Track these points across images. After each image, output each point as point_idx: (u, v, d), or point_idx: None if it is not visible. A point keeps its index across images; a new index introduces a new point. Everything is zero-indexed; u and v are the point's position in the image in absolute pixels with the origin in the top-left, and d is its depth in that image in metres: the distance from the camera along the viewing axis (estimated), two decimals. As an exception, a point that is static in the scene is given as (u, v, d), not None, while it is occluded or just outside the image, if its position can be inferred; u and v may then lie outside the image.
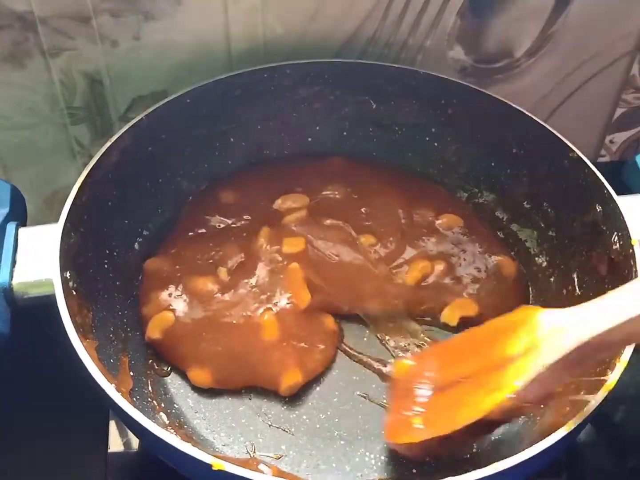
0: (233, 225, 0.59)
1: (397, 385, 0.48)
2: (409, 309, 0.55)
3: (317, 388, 0.52)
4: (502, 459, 0.38)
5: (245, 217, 0.59)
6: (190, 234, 0.58)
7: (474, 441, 0.47)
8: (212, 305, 0.53)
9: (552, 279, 0.56)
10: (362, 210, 0.59)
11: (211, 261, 0.56)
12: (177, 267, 0.55)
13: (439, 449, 0.43)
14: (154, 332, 0.52)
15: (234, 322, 0.52)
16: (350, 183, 0.61)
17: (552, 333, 0.37)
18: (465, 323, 0.54)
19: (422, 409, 0.43)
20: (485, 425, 0.41)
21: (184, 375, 0.52)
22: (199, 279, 0.54)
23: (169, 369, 0.52)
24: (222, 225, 0.59)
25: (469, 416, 0.40)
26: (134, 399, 0.48)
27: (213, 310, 0.53)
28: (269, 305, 0.53)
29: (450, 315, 0.55)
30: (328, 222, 0.58)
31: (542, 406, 0.40)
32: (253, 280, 0.54)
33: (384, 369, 0.53)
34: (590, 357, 0.37)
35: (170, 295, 0.54)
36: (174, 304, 0.53)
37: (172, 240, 0.58)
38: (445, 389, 0.43)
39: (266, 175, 0.62)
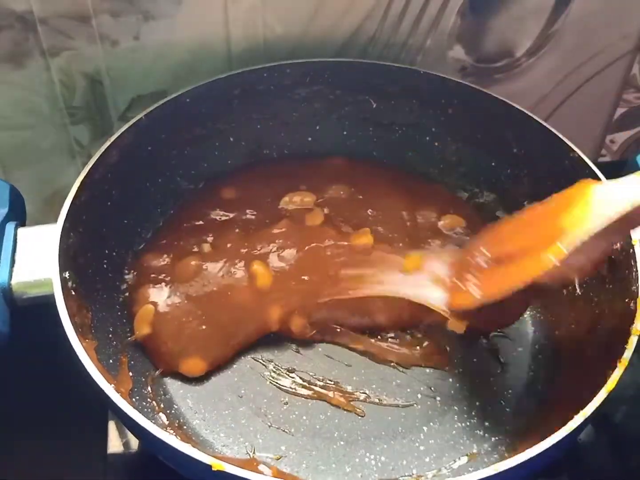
0: (238, 218, 0.59)
1: (458, 258, 0.49)
2: (416, 321, 0.55)
3: (318, 387, 0.52)
4: (503, 460, 0.38)
5: (249, 211, 0.59)
6: (185, 225, 0.58)
7: (526, 307, 0.51)
8: (194, 282, 0.53)
9: (552, 279, 0.56)
10: (369, 212, 0.59)
11: (202, 242, 0.56)
12: (165, 257, 0.55)
13: (495, 316, 0.48)
14: (140, 327, 0.52)
15: (215, 289, 0.53)
16: (353, 183, 0.61)
17: (601, 203, 0.38)
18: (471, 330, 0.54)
19: (478, 278, 0.46)
20: (535, 292, 0.43)
21: (182, 375, 0.52)
22: (182, 261, 0.54)
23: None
24: (223, 218, 0.59)
25: (520, 281, 0.41)
26: (134, 399, 0.48)
27: (194, 287, 0.53)
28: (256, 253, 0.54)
29: (457, 323, 0.54)
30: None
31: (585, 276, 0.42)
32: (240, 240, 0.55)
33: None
34: (633, 223, 0.39)
35: (154, 288, 0.53)
36: (156, 295, 0.53)
37: (166, 232, 0.58)
38: (500, 261, 0.45)
39: (268, 172, 0.62)
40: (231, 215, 0.59)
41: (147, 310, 0.52)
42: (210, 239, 0.57)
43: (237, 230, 0.57)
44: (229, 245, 0.55)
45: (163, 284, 0.54)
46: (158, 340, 0.52)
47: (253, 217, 0.59)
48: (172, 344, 0.51)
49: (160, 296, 0.53)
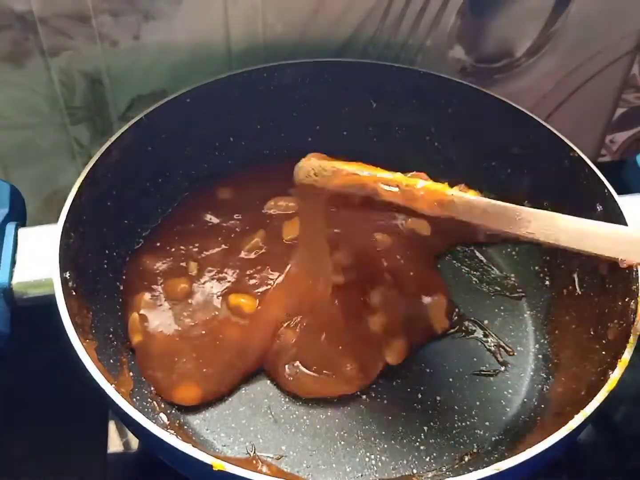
0: (223, 224, 0.58)
1: None
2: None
3: (318, 388, 0.52)
4: (503, 460, 0.38)
5: (236, 216, 0.59)
6: (179, 227, 0.58)
7: None
8: (182, 316, 0.52)
9: (553, 279, 0.56)
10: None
11: (189, 259, 0.55)
12: (158, 264, 0.55)
13: None
14: (132, 335, 0.51)
15: (203, 332, 0.52)
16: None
17: None
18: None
19: None
20: None
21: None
22: (172, 280, 0.54)
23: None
24: (213, 222, 0.59)
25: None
26: (134, 399, 0.48)
27: (183, 323, 0.52)
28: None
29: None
30: None
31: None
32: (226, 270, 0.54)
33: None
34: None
35: (149, 299, 0.53)
36: (147, 307, 0.52)
37: (161, 233, 0.58)
38: None
39: (267, 173, 0.61)
40: (219, 220, 0.58)
41: (135, 319, 0.52)
42: (196, 249, 0.56)
43: (220, 240, 0.56)
44: (210, 269, 0.55)
45: (155, 297, 0.53)
46: (147, 363, 0.51)
47: (238, 221, 0.58)
48: (162, 375, 0.50)
49: (151, 309, 0.52)
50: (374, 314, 0.53)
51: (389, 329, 0.53)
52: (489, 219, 0.44)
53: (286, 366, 0.51)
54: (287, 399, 0.51)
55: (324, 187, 0.47)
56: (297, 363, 0.51)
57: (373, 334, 0.53)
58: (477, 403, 0.51)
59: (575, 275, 0.54)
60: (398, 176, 0.45)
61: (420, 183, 0.44)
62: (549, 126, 0.55)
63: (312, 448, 0.49)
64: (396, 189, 0.44)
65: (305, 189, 0.48)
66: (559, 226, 0.42)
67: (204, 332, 0.52)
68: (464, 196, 0.44)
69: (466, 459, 0.48)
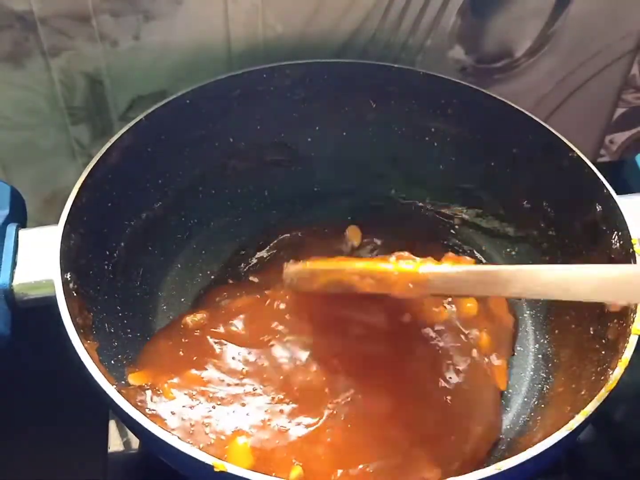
0: None
1: None
2: None
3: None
4: (504, 459, 0.38)
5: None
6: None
7: None
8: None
9: (552, 279, 0.57)
10: None
11: None
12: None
13: None
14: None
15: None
16: None
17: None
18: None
19: None
20: None
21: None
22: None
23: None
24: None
25: None
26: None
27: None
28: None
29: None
30: None
31: None
32: None
33: None
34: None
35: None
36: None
37: None
38: None
39: None
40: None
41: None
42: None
43: None
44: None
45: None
46: None
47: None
48: None
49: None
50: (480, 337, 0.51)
51: (493, 349, 0.50)
52: (470, 288, 0.42)
53: None
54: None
55: (308, 290, 0.48)
56: None
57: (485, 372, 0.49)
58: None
59: (575, 275, 0.54)
60: (370, 265, 0.44)
61: (391, 266, 0.43)
62: (548, 126, 0.55)
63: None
64: (371, 280, 0.43)
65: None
66: (542, 280, 0.39)
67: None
68: (438, 269, 0.42)
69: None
